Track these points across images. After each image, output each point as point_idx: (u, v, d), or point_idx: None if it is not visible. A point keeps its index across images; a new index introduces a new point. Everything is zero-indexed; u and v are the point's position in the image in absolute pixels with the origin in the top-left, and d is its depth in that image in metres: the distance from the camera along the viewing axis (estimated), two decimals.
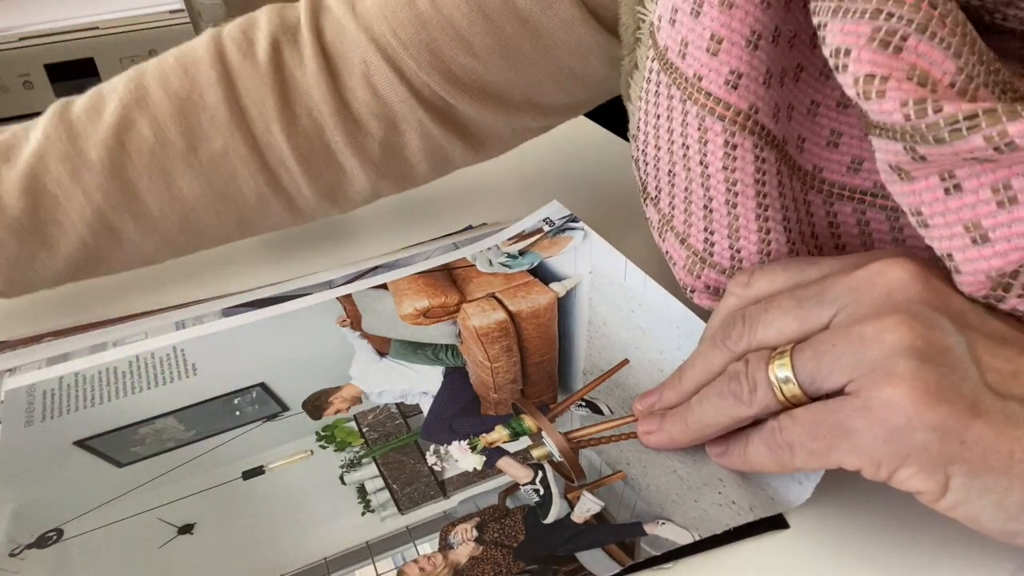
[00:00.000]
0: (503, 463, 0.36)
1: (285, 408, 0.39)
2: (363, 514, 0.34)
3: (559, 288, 0.45)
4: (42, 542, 0.33)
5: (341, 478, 0.36)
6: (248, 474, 0.36)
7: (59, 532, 0.33)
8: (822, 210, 0.35)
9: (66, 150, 0.41)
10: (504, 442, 0.37)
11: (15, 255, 0.41)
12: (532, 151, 0.64)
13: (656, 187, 0.38)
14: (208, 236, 0.45)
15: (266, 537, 0.33)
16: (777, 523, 0.32)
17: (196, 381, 0.41)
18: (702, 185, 0.35)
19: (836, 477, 0.33)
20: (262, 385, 0.41)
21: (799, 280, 0.31)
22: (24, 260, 0.42)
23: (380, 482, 0.35)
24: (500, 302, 0.44)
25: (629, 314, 0.43)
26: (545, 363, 0.41)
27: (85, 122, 0.41)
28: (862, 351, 0.26)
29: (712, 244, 0.36)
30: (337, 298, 0.46)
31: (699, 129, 0.33)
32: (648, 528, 0.32)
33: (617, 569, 0.31)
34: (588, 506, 0.33)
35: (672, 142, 0.36)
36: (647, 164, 0.39)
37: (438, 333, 0.43)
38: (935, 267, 0.28)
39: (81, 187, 0.41)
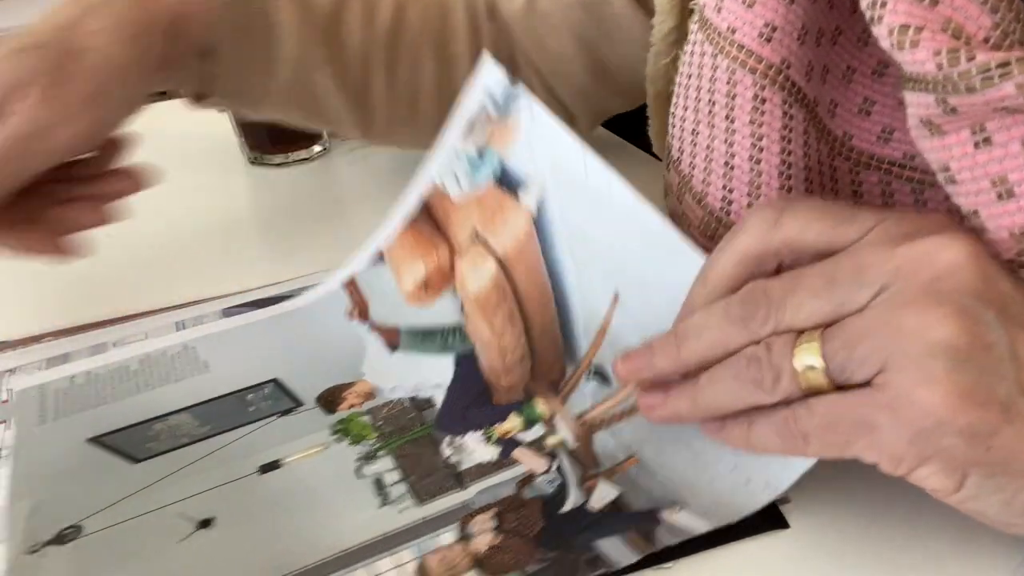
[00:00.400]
0: (518, 453, 0.36)
1: (299, 403, 0.40)
2: (381, 506, 0.34)
3: (529, 200, 0.40)
4: (61, 539, 0.33)
5: (358, 471, 0.36)
6: (265, 468, 0.36)
7: (77, 528, 0.34)
8: (847, 177, 0.35)
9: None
10: (518, 431, 0.37)
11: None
12: None
13: (679, 148, 0.38)
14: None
15: (285, 530, 0.33)
16: (777, 523, 0.32)
17: (209, 378, 0.41)
18: (725, 141, 0.34)
19: (837, 477, 0.33)
20: (275, 381, 0.41)
21: (833, 237, 0.28)
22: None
23: (397, 474, 0.36)
24: (485, 242, 0.42)
25: (601, 228, 0.38)
26: (547, 326, 0.40)
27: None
28: (899, 343, 0.24)
29: (730, 203, 0.35)
30: (343, 286, 0.46)
31: (728, 83, 0.33)
32: (665, 515, 0.32)
33: (636, 557, 0.31)
34: (604, 494, 0.33)
35: (699, 100, 0.35)
36: (674, 127, 0.38)
37: (443, 311, 0.43)
38: (986, 246, 0.27)
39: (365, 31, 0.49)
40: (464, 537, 0.32)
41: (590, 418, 0.37)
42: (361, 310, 0.44)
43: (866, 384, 0.25)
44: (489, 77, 0.42)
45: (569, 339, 0.39)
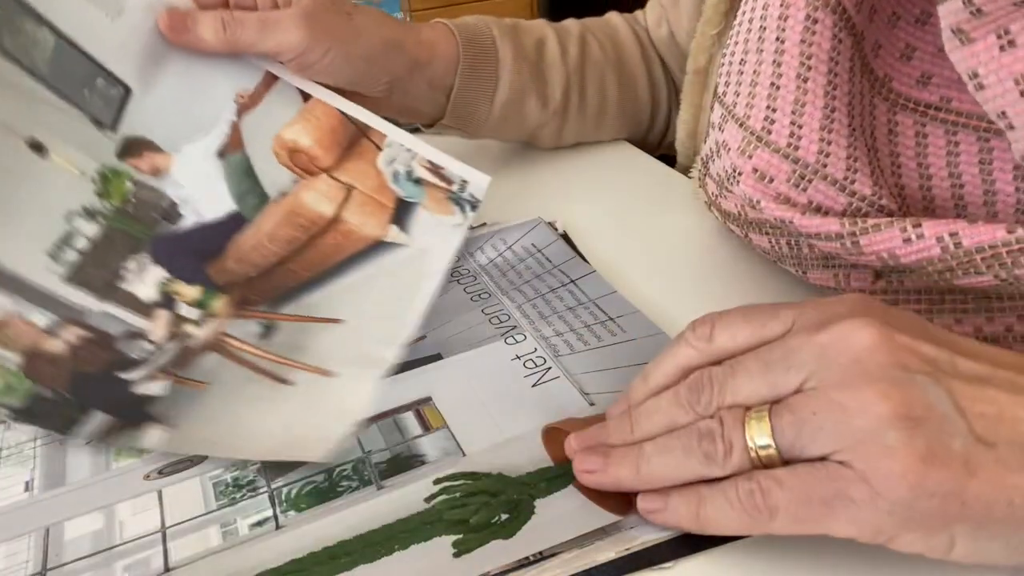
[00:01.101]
0: (161, 313, 0.39)
1: (127, 95, 0.41)
2: (48, 253, 0.38)
3: (392, 234, 0.46)
4: None
5: (69, 216, 0.38)
6: (33, 146, 0.39)
7: None
8: (885, 116, 0.37)
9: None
10: (185, 300, 0.40)
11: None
12: (537, 153, 0.64)
13: (726, 82, 0.41)
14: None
15: None
16: None
17: (108, 26, 0.43)
18: (773, 62, 0.37)
19: None
20: (127, 89, 0.42)
21: (762, 336, 0.30)
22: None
23: (86, 244, 0.38)
24: (348, 195, 0.45)
25: (385, 300, 0.44)
26: (296, 275, 0.43)
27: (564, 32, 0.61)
28: (846, 421, 0.26)
29: (772, 122, 0.37)
30: (263, 78, 0.47)
31: (781, 6, 0.36)
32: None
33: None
34: (152, 389, 0.38)
35: (750, 30, 0.39)
36: (723, 67, 0.42)
37: (279, 177, 0.45)
38: (897, 318, 0.28)
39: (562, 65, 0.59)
40: (52, 328, 0.35)
41: (233, 345, 0.40)
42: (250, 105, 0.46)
43: (821, 459, 0.26)
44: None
45: (290, 297, 0.43)
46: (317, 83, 0.48)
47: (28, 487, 0.37)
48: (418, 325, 0.44)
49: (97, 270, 0.37)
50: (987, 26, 0.29)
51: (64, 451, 0.39)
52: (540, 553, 0.31)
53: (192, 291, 0.40)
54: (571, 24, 0.62)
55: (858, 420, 0.26)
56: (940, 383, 0.26)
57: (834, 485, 0.26)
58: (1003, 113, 0.31)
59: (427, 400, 0.39)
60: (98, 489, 0.37)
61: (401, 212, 0.47)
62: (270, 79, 0.47)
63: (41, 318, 0.35)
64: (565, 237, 0.52)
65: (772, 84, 0.37)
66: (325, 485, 0.35)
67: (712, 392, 0.30)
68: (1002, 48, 0.29)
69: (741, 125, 0.39)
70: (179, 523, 0.34)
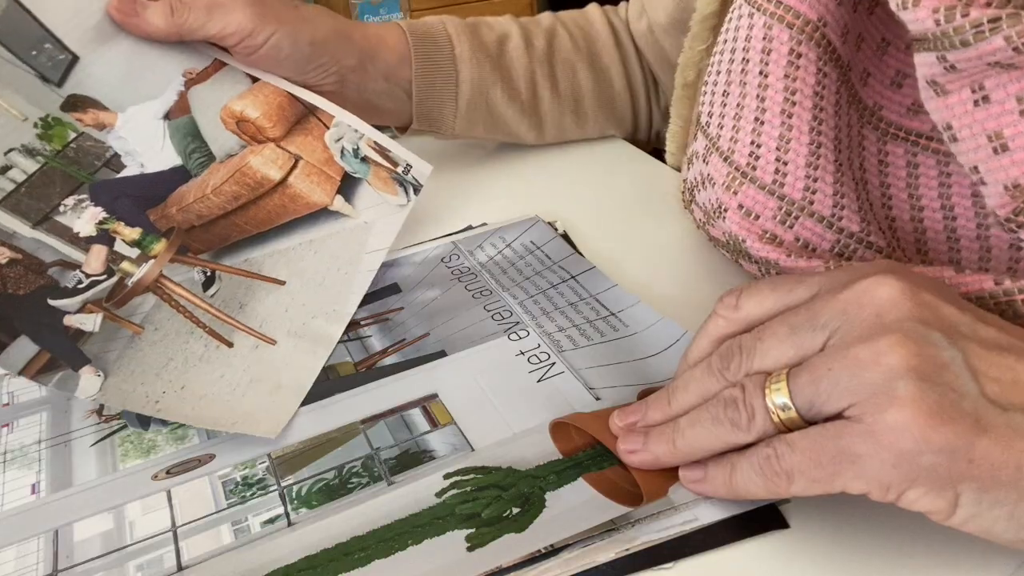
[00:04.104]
0: (97, 248, 0.40)
1: (73, 63, 0.42)
2: None
3: (338, 204, 0.47)
4: None
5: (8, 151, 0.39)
6: None
7: None
8: (875, 147, 0.37)
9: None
10: (126, 239, 0.41)
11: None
12: (534, 152, 0.64)
13: (709, 112, 0.40)
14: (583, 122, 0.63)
15: None
16: (777, 523, 0.32)
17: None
18: (757, 96, 0.36)
19: None
20: (74, 57, 0.42)
21: (788, 302, 0.31)
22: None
23: (20, 176, 0.39)
24: (292, 167, 0.46)
25: (327, 269, 0.46)
26: (240, 229, 0.45)
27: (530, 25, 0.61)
28: (860, 374, 0.26)
29: (757, 158, 0.37)
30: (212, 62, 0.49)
31: (764, 39, 0.35)
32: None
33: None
34: (81, 321, 0.39)
35: (732, 60, 0.38)
36: (705, 95, 0.41)
37: (226, 141, 0.46)
38: (923, 280, 0.29)
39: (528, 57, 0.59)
40: None
41: (168, 286, 0.42)
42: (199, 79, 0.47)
43: (839, 417, 0.27)
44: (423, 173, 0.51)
45: (235, 253, 0.45)
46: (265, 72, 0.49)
47: (35, 489, 0.37)
48: (357, 303, 0.45)
49: (32, 201, 0.38)
50: (962, 80, 0.29)
51: (70, 453, 0.38)
52: (552, 546, 0.31)
53: (132, 232, 0.41)
54: (542, 17, 0.62)
55: (870, 372, 0.26)
56: (956, 343, 0.26)
57: (841, 442, 0.26)
58: (975, 168, 0.30)
59: (433, 396, 0.40)
60: (106, 490, 0.36)
61: (347, 185, 0.49)
62: (218, 64, 0.48)
63: None
64: (565, 236, 0.52)
65: (756, 119, 0.36)
66: (335, 482, 0.35)
67: (741, 358, 0.30)
68: (976, 103, 0.29)
69: (726, 160, 0.38)
70: (190, 522, 0.34)
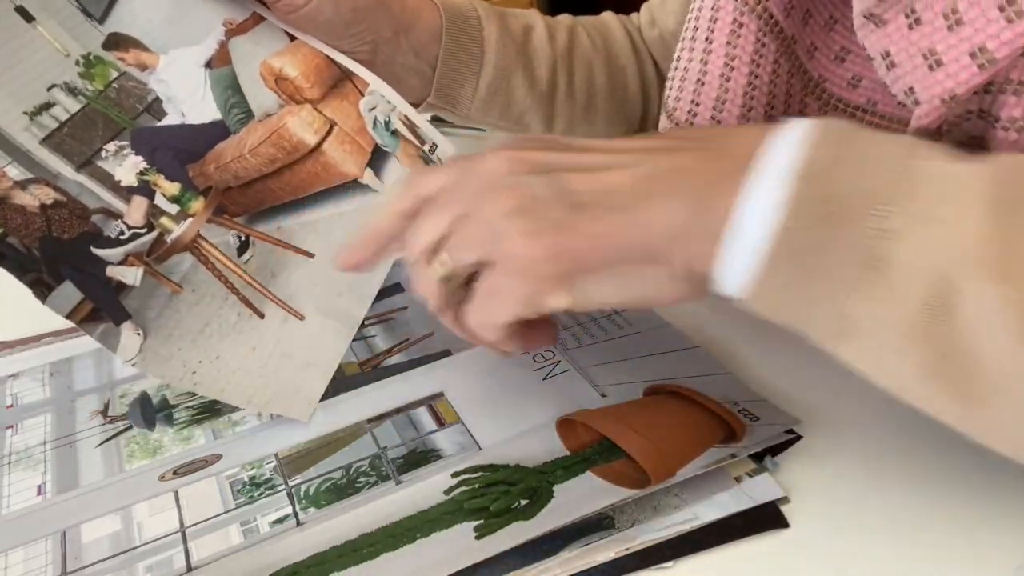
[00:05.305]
0: (138, 200, 0.40)
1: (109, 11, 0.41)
2: (31, 117, 0.38)
3: (368, 177, 0.48)
4: None
5: (52, 86, 0.39)
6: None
7: None
8: (816, 115, 0.39)
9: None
10: (165, 195, 0.41)
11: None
12: None
13: (670, 77, 0.44)
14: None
15: None
16: (777, 523, 0.32)
17: None
18: (701, 60, 0.40)
19: (836, 477, 0.34)
20: None
21: (442, 184, 0.34)
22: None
23: (64, 114, 0.39)
24: (327, 133, 0.46)
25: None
26: (274, 195, 0.45)
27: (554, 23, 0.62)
28: (478, 229, 0.31)
29: (695, 116, 0.41)
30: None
31: (712, 8, 0.39)
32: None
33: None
34: (124, 275, 0.39)
35: (686, 30, 0.42)
36: (674, 79, 0.44)
37: (265, 99, 0.46)
38: (529, 141, 0.33)
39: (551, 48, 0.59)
40: (24, 183, 0.37)
41: (205, 247, 0.41)
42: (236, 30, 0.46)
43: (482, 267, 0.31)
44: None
45: (268, 219, 0.45)
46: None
47: (41, 491, 0.37)
48: (379, 286, 0.44)
49: (75, 143, 0.38)
50: (896, 7, 0.32)
51: (75, 454, 0.38)
52: (559, 529, 0.32)
53: (171, 187, 0.41)
54: (562, 17, 0.64)
55: (485, 226, 0.31)
56: (548, 175, 0.31)
57: (486, 284, 0.31)
58: (911, 89, 0.33)
59: (439, 396, 0.40)
60: (113, 491, 0.36)
61: (377, 158, 0.48)
62: (258, 18, 0.48)
63: (14, 170, 0.37)
64: None
65: (698, 80, 0.40)
66: (343, 482, 0.35)
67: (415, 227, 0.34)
68: (910, 27, 0.32)
69: (669, 116, 0.42)
70: (198, 522, 0.34)
